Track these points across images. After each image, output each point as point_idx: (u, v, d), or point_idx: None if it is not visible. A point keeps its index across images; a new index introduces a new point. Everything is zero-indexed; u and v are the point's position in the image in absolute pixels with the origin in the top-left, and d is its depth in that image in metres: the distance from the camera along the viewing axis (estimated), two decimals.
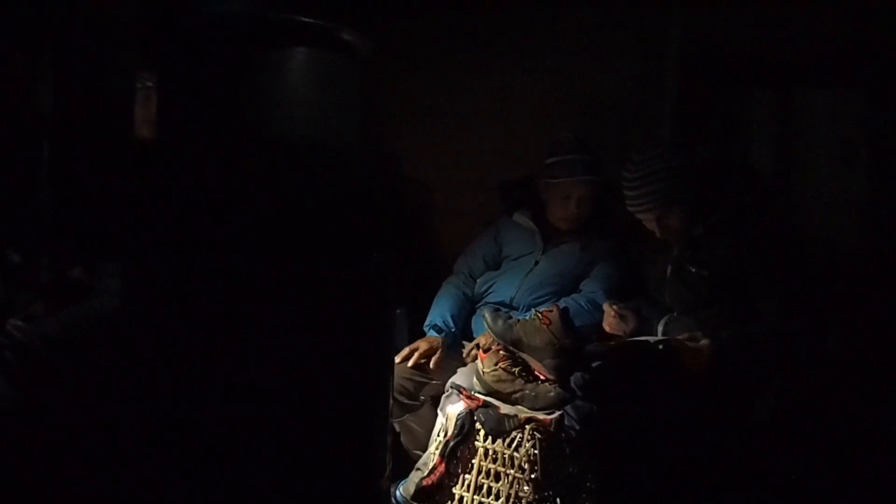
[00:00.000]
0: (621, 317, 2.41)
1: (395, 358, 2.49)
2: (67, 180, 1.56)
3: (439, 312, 2.66)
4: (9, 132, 1.51)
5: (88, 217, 1.55)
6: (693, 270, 2.31)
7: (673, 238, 2.37)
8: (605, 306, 2.44)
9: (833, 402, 2.62)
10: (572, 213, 2.65)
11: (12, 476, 1.43)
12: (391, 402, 1.84)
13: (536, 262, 2.70)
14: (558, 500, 2.07)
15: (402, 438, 2.58)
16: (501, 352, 2.27)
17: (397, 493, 2.29)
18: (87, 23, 1.55)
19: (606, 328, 2.44)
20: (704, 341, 2.16)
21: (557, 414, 2.09)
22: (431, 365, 2.50)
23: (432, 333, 2.61)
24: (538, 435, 2.06)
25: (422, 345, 2.53)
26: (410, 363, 2.48)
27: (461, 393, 2.21)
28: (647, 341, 2.34)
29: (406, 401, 2.49)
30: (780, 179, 3.03)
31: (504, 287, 2.70)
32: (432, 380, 2.51)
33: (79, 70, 1.58)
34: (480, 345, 2.44)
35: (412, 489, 2.22)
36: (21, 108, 1.52)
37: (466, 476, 2.15)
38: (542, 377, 2.20)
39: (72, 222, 1.56)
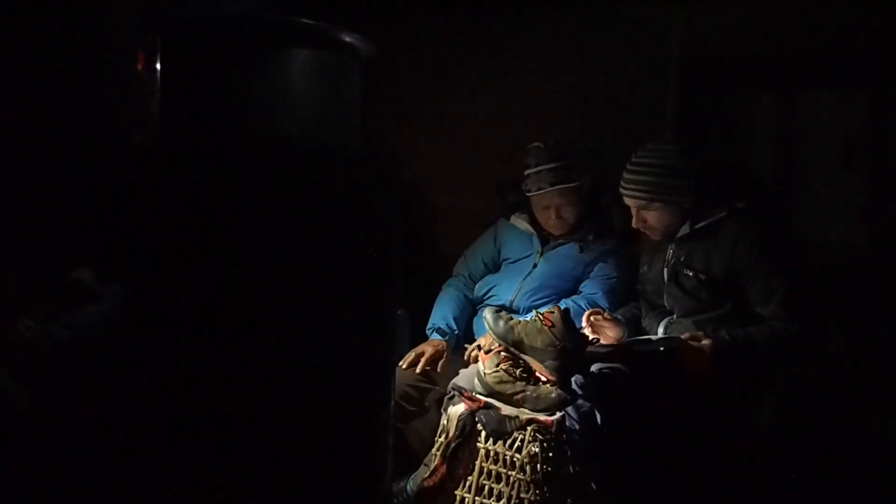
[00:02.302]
0: (595, 327, 2.41)
1: (401, 363, 2.50)
2: (71, 181, 1.56)
3: (442, 315, 2.67)
4: (16, 134, 1.51)
5: (94, 219, 1.55)
6: (690, 274, 2.32)
7: (652, 234, 2.41)
8: (586, 315, 2.44)
9: (834, 403, 2.62)
10: (554, 222, 2.67)
11: (18, 475, 1.43)
12: (392, 403, 1.84)
13: (535, 265, 2.71)
14: (559, 501, 2.07)
15: (411, 442, 2.56)
16: (503, 353, 2.26)
17: (407, 487, 2.29)
18: (88, 22, 1.55)
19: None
20: (706, 341, 2.17)
21: (559, 415, 2.09)
22: (438, 369, 2.50)
23: (435, 336, 2.61)
24: (539, 436, 2.06)
25: (427, 349, 2.54)
26: (418, 369, 2.49)
27: (462, 394, 2.21)
28: (648, 340, 2.35)
29: (410, 407, 2.49)
30: (780, 182, 3.03)
31: (503, 289, 2.70)
32: (436, 386, 2.51)
33: (81, 70, 1.58)
34: (481, 346, 2.44)
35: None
36: (26, 110, 1.52)
37: (468, 477, 2.15)
38: (543, 378, 2.20)
39: (78, 224, 1.56)
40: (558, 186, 2.60)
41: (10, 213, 1.55)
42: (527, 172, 2.66)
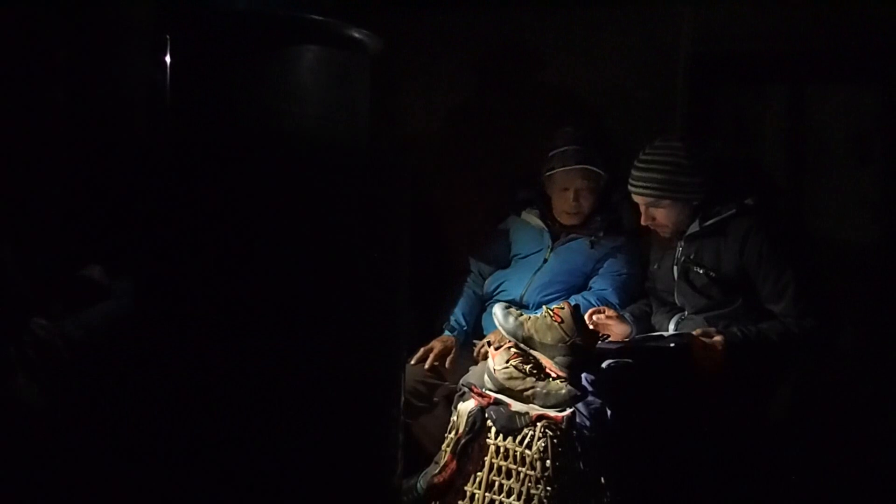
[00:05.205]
0: (599, 326, 2.40)
1: (410, 360, 2.49)
2: (81, 180, 1.57)
3: (451, 311, 2.67)
4: (25, 130, 1.52)
5: (104, 217, 1.55)
6: (700, 272, 2.31)
7: (661, 231, 2.40)
8: (588, 315, 2.44)
9: (846, 399, 2.61)
10: (571, 205, 2.66)
11: (30, 471, 1.44)
12: (402, 399, 1.85)
13: (545, 260, 2.70)
14: (569, 497, 2.07)
15: (421, 438, 2.57)
16: (513, 349, 2.26)
17: (417, 485, 2.29)
18: (100, 20, 1.55)
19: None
20: (718, 337, 2.16)
21: (569, 411, 2.09)
22: (447, 365, 2.50)
23: (445, 332, 2.61)
24: (549, 432, 2.06)
25: (436, 345, 2.54)
26: (427, 365, 2.49)
27: (472, 390, 2.21)
28: (660, 337, 2.34)
29: (419, 403, 2.48)
30: (791, 178, 3.01)
31: (513, 285, 2.70)
32: (445, 381, 2.51)
33: (91, 68, 1.59)
34: (491, 342, 2.44)
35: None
36: (36, 108, 1.53)
37: (478, 473, 2.15)
38: (553, 374, 2.20)
39: (88, 222, 1.57)
40: (583, 165, 2.60)
41: (22, 212, 1.56)
42: (552, 153, 2.66)
